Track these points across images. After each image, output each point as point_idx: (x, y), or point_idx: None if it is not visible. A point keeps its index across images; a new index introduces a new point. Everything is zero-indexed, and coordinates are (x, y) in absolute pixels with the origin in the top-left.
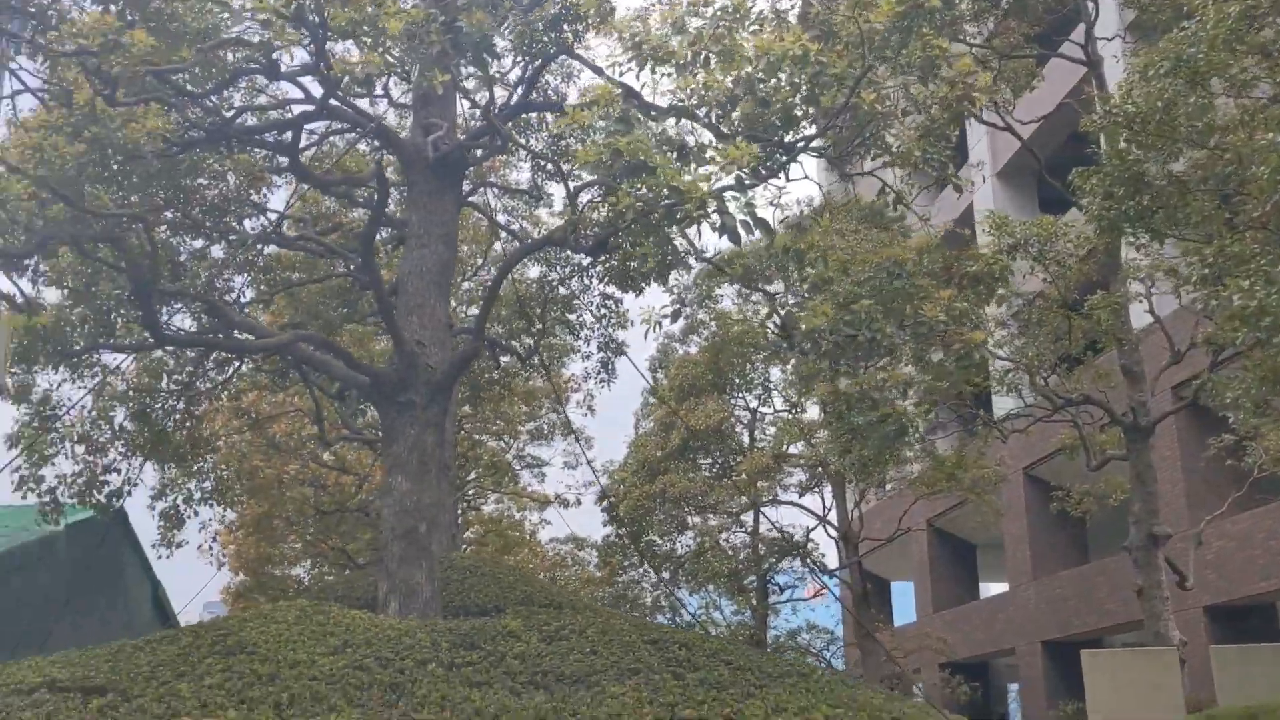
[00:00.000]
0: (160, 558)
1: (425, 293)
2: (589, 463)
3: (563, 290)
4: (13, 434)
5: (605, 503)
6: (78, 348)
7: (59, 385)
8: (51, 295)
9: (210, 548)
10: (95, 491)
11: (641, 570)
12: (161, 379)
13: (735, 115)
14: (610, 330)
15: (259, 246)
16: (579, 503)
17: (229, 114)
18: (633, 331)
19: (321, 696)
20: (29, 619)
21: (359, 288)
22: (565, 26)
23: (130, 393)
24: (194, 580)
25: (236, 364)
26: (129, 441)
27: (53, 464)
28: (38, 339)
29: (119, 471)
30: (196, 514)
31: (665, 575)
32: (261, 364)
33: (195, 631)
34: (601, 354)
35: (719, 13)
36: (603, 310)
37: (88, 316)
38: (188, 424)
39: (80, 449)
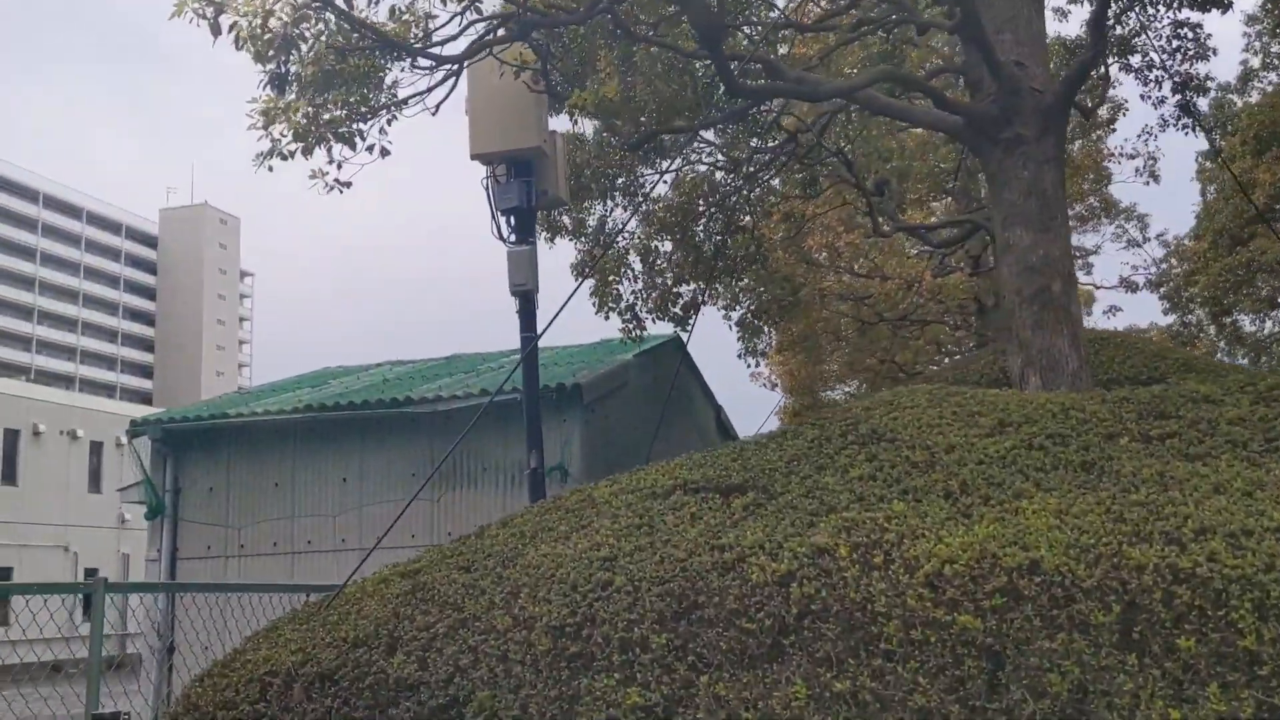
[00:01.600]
0: (748, 367)
1: (1016, 2)
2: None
3: (1119, 29)
4: (576, 262)
5: (1166, 286)
6: (637, 141)
7: (612, 211)
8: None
9: (762, 371)
10: (670, 305)
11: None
12: (698, 202)
13: None
14: (1187, 65)
15: None
16: (1136, 288)
17: None
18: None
19: (999, 481)
20: (620, 445)
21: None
22: None
23: (672, 217)
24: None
25: (769, 175)
26: (678, 264)
27: (617, 288)
28: (584, 167)
29: (680, 293)
30: (764, 330)
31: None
32: (795, 168)
33: (818, 425)
34: (1177, 96)
35: None
36: (1175, 42)
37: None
38: (728, 242)
39: (639, 268)
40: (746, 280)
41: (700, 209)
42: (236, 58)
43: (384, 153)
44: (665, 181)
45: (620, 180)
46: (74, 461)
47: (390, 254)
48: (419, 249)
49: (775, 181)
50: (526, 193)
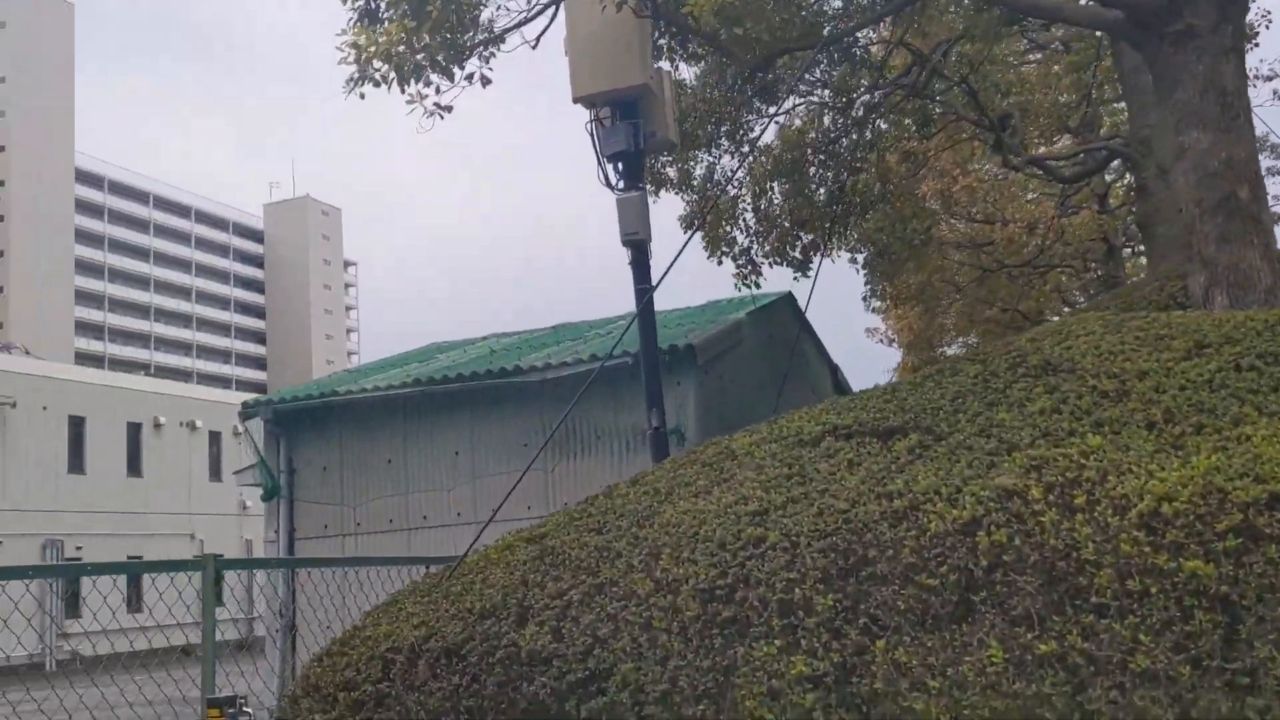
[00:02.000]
0: (873, 311)
1: None
2: None
3: None
4: (685, 215)
5: None
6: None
7: (720, 159)
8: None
9: (878, 327)
10: (789, 248)
11: None
12: (807, 149)
13: None
14: None
15: None
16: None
17: None
18: None
19: (1210, 408)
20: (736, 407)
21: None
22: None
23: (781, 165)
24: (860, 367)
25: (878, 116)
26: (796, 209)
27: (731, 234)
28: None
29: (800, 236)
30: (892, 272)
31: None
32: (907, 107)
33: (980, 359)
34: None
35: None
36: None
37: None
38: (846, 186)
39: (751, 219)
40: (872, 220)
41: (809, 156)
42: (332, 54)
43: (485, 81)
44: (778, 122)
45: (725, 128)
46: (194, 451)
47: (490, 238)
48: (519, 232)
49: (883, 124)
50: (634, 135)
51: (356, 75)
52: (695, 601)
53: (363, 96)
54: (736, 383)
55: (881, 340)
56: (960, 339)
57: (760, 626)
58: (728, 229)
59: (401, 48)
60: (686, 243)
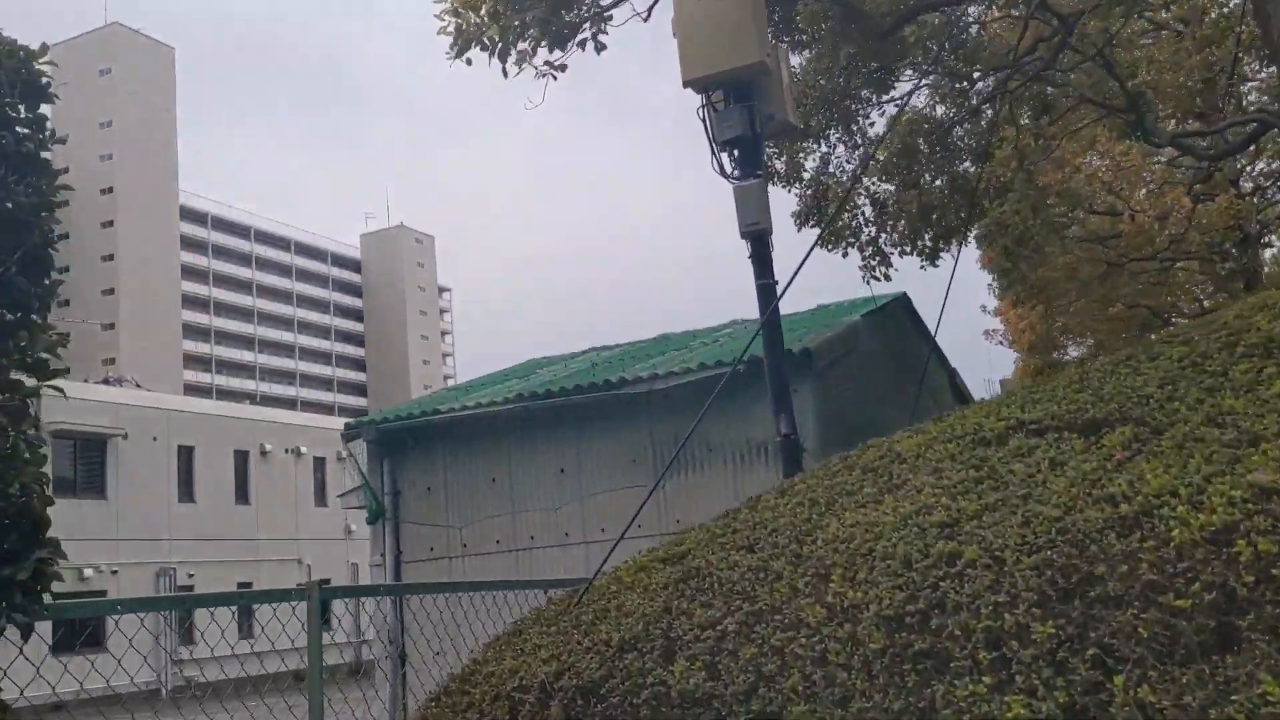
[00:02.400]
0: (987, 312)
1: None
2: None
3: None
4: (798, 210)
5: None
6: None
7: (835, 147)
8: None
9: (997, 329)
10: (921, 235)
11: None
12: (919, 141)
13: None
14: None
15: None
16: None
17: None
18: None
19: None
20: (855, 415)
21: None
22: None
23: (893, 159)
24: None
25: (995, 105)
26: (919, 199)
27: (855, 222)
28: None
29: (936, 220)
30: (1024, 259)
31: None
32: (1026, 93)
33: (1182, 341)
34: None
35: None
36: None
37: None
38: (964, 176)
39: (869, 212)
40: (1010, 202)
41: (926, 143)
42: (422, 89)
43: (599, 47)
44: (897, 103)
45: (836, 117)
46: (300, 478)
47: (580, 258)
48: (609, 251)
49: (1002, 110)
50: (750, 119)
51: (459, 42)
52: (880, 631)
53: (469, 62)
54: (855, 389)
55: (1001, 342)
56: (1081, 340)
57: (963, 660)
58: (851, 219)
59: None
60: (815, 244)
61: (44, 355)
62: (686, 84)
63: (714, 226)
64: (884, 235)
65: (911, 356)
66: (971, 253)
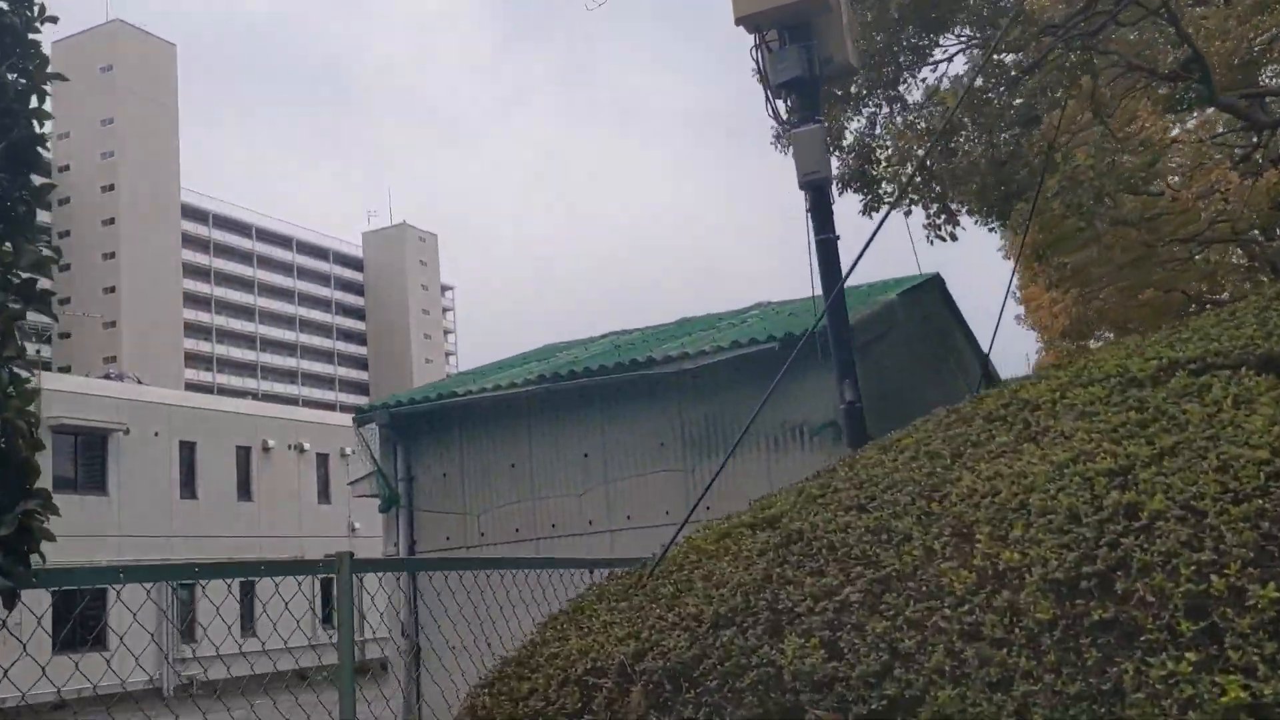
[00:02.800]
0: (1018, 299)
1: None
2: None
3: None
4: (840, 173)
5: None
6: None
7: (880, 107)
8: None
9: (1020, 314)
10: (991, 193)
11: None
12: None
13: None
14: None
15: None
16: None
17: None
18: None
19: None
20: (893, 396)
21: None
22: None
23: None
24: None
25: (1035, 76)
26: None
27: (917, 188)
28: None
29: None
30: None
31: None
32: (1066, 63)
33: None
34: None
35: None
36: None
37: None
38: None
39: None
40: (1059, 178)
41: (963, 118)
42: (425, 90)
43: None
44: (945, 60)
45: (883, 80)
46: (303, 474)
47: (583, 259)
48: (612, 253)
49: (1043, 80)
50: (808, 59)
51: None
52: (1047, 598)
53: None
54: (893, 369)
55: (1030, 327)
56: (1107, 328)
57: (1157, 632)
58: (913, 178)
59: None
60: (892, 206)
61: (29, 275)
62: (738, 21)
63: (721, 227)
64: (950, 193)
65: (946, 338)
66: (993, 240)
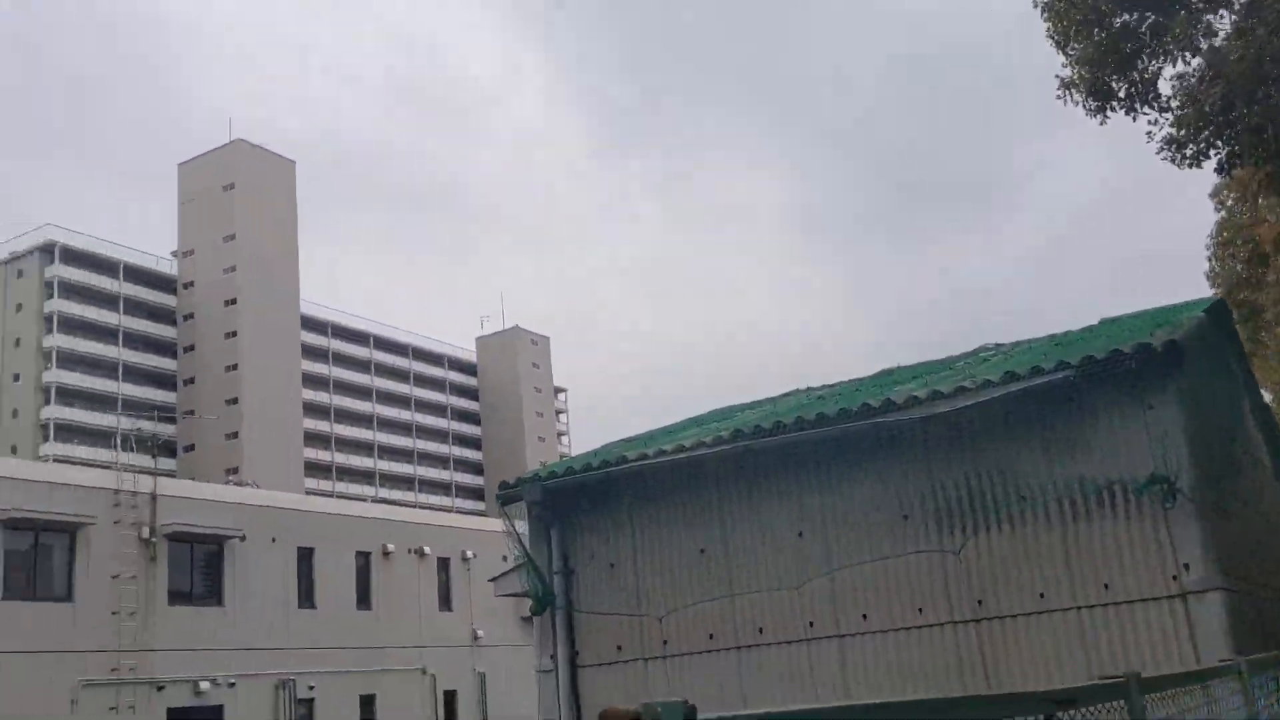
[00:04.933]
0: None
1: None
2: None
3: None
4: (1173, 136)
5: None
6: None
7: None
8: None
9: None
10: None
11: None
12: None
13: None
14: None
15: None
16: None
17: None
18: None
19: None
20: (1218, 441)
21: None
22: None
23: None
24: None
25: None
26: None
27: None
28: None
29: None
30: None
31: None
32: None
33: None
34: None
35: None
36: None
37: None
38: None
39: None
40: None
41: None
42: (530, 210)
43: None
44: None
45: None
46: (424, 580)
47: (691, 357)
48: (717, 350)
49: None
50: None
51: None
52: None
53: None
54: (1208, 409)
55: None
56: None
57: None
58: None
59: None
60: None
61: None
62: None
63: (829, 321)
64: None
65: (1230, 376)
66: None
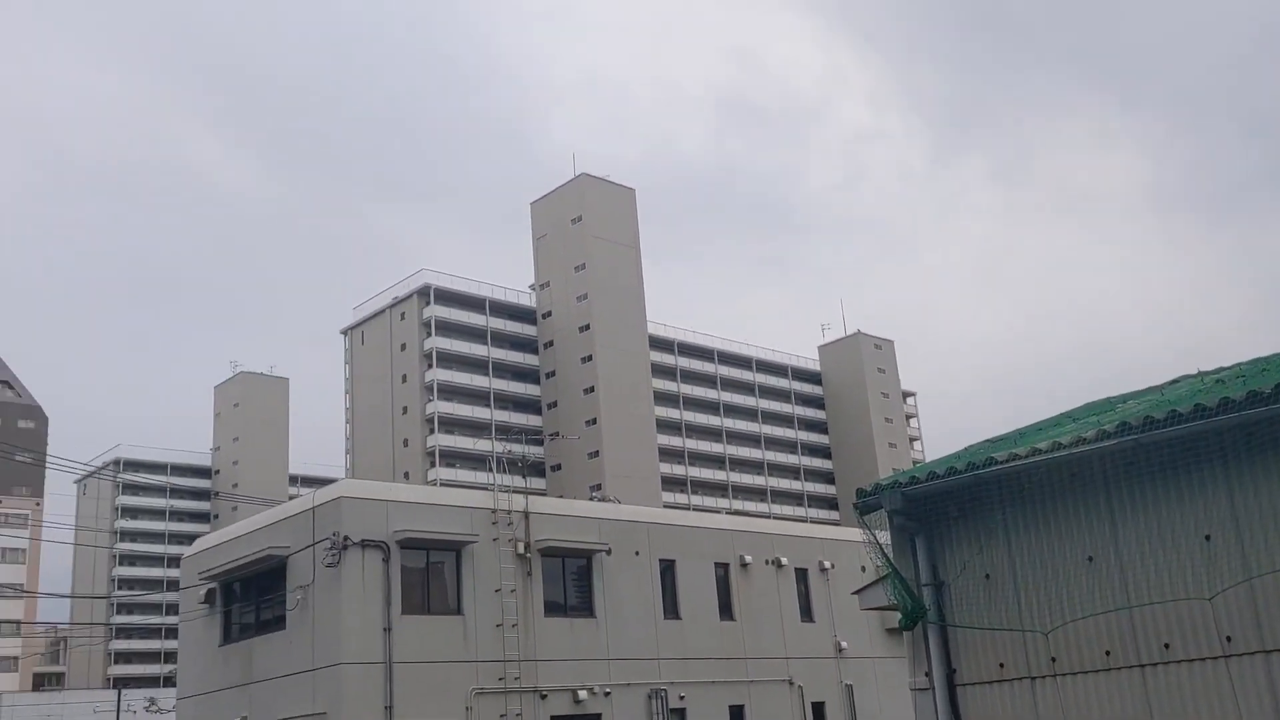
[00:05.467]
0: None
1: None
2: None
3: None
4: None
5: None
6: None
7: None
8: None
9: None
10: None
11: None
12: None
13: None
14: None
15: None
16: None
17: None
18: None
19: None
20: None
21: None
22: None
23: None
24: None
25: None
26: None
27: None
28: None
29: None
30: None
31: None
32: None
33: None
34: None
35: None
36: None
37: None
38: None
39: None
40: None
41: None
42: (862, 209)
43: None
44: None
45: None
46: (783, 591)
47: (1042, 352)
48: (1066, 335)
49: None
50: None
51: None
52: None
53: None
54: None
55: None
56: None
57: None
58: None
59: None
60: None
61: None
62: None
63: (1184, 299)
64: None
65: None
66: None
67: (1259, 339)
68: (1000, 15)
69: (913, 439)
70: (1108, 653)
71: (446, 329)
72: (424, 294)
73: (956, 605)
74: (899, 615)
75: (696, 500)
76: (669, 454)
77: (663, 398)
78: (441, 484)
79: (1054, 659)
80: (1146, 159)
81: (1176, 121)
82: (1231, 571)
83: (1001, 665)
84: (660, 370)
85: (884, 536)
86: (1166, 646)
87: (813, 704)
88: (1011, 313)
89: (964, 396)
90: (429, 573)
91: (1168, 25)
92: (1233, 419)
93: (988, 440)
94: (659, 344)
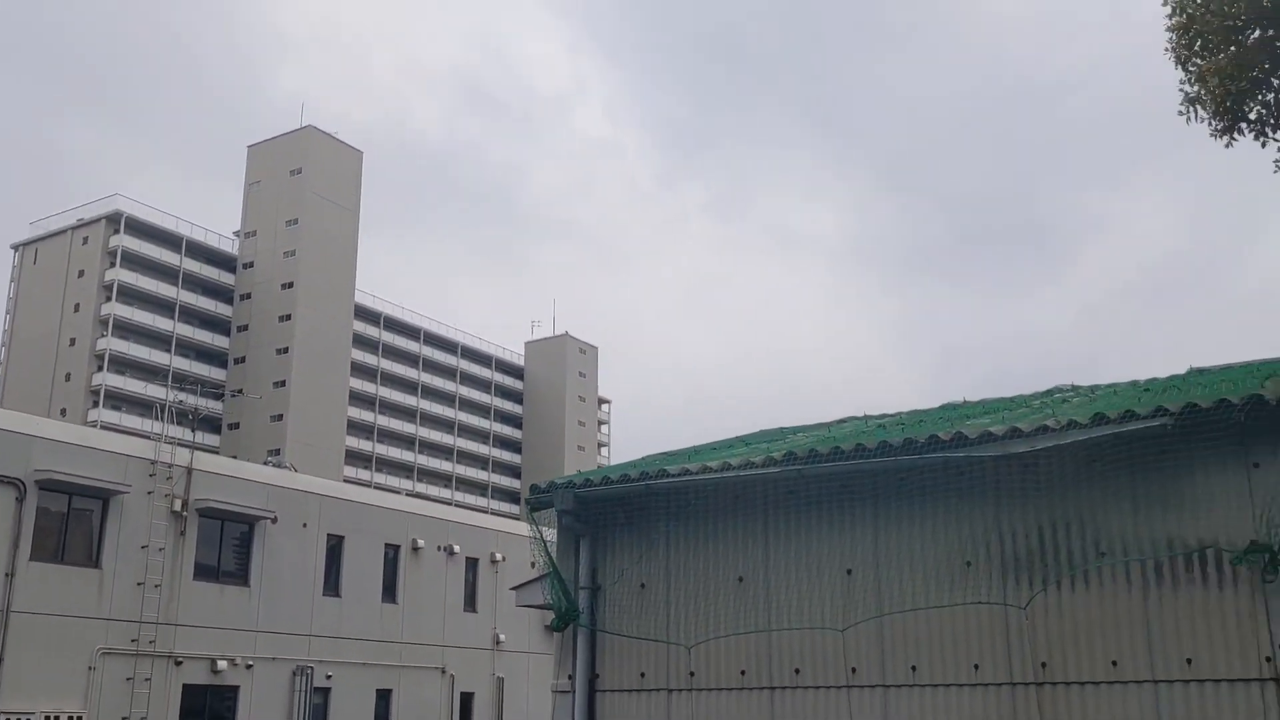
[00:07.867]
0: None
1: None
2: None
3: None
4: None
5: None
6: None
7: None
8: None
9: None
10: None
11: None
12: None
13: None
14: None
15: None
16: None
17: None
18: None
19: None
20: None
21: None
22: None
23: None
24: None
25: None
26: None
27: None
28: None
29: None
30: None
31: None
32: None
33: None
34: None
35: None
36: None
37: None
38: None
39: None
40: None
41: None
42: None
43: None
44: None
45: None
46: (450, 579)
47: (739, 379)
48: (767, 372)
49: None
50: None
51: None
52: None
53: None
54: None
55: None
56: None
57: None
58: None
59: None
60: None
61: None
62: None
63: (879, 355)
64: None
65: None
66: None
67: (933, 393)
68: (737, 49)
69: (602, 445)
70: (743, 672)
71: (134, 262)
72: (114, 220)
73: (609, 611)
74: (552, 616)
75: (380, 479)
76: (359, 428)
77: (360, 370)
78: (103, 426)
79: (693, 673)
80: (850, 214)
81: (879, 185)
82: (865, 607)
83: (643, 675)
84: (362, 341)
85: (552, 535)
86: (797, 671)
87: (462, 694)
88: (714, 339)
89: (660, 412)
90: (70, 519)
91: (886, 95)
92: (887, 463)
93: (664, 453)
94: (365, 314)
